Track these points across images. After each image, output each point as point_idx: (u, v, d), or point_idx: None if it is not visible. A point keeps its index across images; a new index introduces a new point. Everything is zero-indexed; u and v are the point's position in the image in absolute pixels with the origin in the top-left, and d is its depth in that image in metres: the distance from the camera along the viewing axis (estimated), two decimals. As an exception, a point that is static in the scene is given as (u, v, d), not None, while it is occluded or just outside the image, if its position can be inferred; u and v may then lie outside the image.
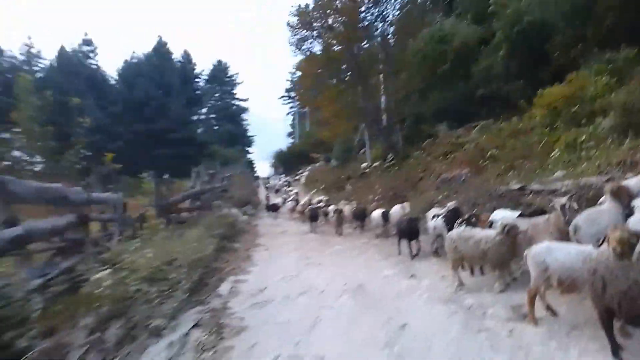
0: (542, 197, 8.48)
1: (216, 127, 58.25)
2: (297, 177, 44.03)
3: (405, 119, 25.45)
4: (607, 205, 5.50)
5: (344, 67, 26.70)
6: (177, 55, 59.25)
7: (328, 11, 24.91)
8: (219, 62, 61.95)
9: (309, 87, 29.58)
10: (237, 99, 62.58)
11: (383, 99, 25.33)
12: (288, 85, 66.85)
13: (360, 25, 25.39)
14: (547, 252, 4.40)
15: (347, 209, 14.34)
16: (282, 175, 51.77)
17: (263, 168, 70.78)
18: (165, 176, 12.18)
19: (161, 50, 57.03)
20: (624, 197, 5.37)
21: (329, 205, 16.14)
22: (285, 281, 7.13)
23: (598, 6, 14.82)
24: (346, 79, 27.13)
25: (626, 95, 11.50)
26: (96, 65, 54.27)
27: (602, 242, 3.86)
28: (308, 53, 26.51)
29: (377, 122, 25.64)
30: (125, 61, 57.22)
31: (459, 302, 5.49)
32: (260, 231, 14.51)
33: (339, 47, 25.39)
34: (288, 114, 74.31)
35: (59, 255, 5.54)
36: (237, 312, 5.33)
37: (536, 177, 10.78)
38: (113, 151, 9.99)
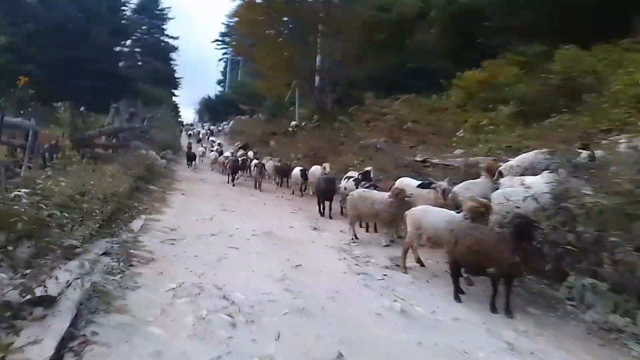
0: (438, 170, 9.58)
1: (141, 64, 54.44)
2: (222, 128, 43.23)
3: (338, 83, 25.95)
4: (481, 179, 6.64)
5: (285, 19, 26.27)
6: (103, -24, 53.80)
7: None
8: (151, -8, 57.40)
9: (246, 35, 28.77)
10: (168, 35, 58.63)
11: (318, 59, 25.46)
12: (223, 29, 64.06)
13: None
14: (422, 214, 5.28)
15: (270, 164, 14.73)
16: (208, 124, 50.48)
17: (188, 114, 68.12)
18: (82, 109, 11.67)
19: (86, -32, 51.30)
20: (493, 174, 6.50)
21: (252, 159, 16.31)
22: (199, 223, 7.54)
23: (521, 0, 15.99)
24: (285, 32, 26.78)
25: (525, 87, 12.95)
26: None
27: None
28: (247, -1, 25.60)
29: (310, 82, 25.89)
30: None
31: (350, 251, 6.35)
32: (178, 176, 14.52)
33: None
34: (220, 60, 71.40)
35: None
36: (147, 246, 5.67)
37: (440, 152, 12.00)
38: (25, 74, 9.29)
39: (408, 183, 7.67)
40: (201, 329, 3.53)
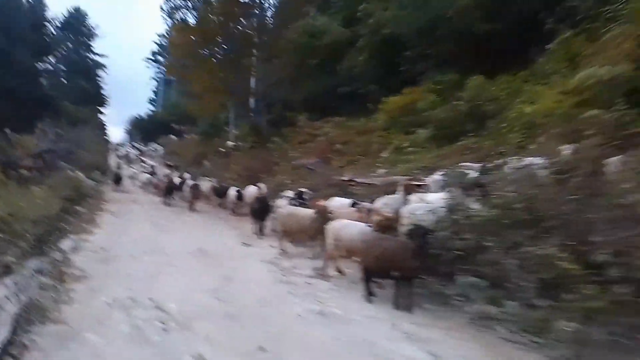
0: (362, 189, 10.44)
1: (66, 82, 51.71)
2: (154, 148, 42.21)
3: (273, 104, 26.62)
4: (397, 195, 7.50)
5: (220, 40, 26.60)
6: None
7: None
8: (77, 9, 55.13)
9: (179, 57, 28.69)
10: (95, 53, 56.42)
11: (253, 81, 26.02)
12: (155, 48, 62.80)
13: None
14: (340, 228, 5.98)
15: (207, 185, 14.83)
16: (138, 144, 48.94)
17: (117, 133, 65.34)
18: (7, 130, 11.30)
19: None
20: (407, 191, 7.40)
21: (187, 180, 16.33)
22: (131, 243, 7.72)
23: (438, 31, 17.64)
24: (220, 54, 27.11)
25: (440, 112, 14.38)
26: None
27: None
28: (180, 22, 25.68)
29: (245, 103, 26.34)
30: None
31: (278, 264, 6.90)
32: (108, 198, 14.33)
33: (217, 21, 25.13)
34: (152, 78, 69.69)
35: None
36: (79, 265, 5.85)
37: (366, 172, 12.95)
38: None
39: (339, 201, 8.38)
40: (136, 335, 3.90)
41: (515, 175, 6.21)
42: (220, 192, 14.24)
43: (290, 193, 10.55)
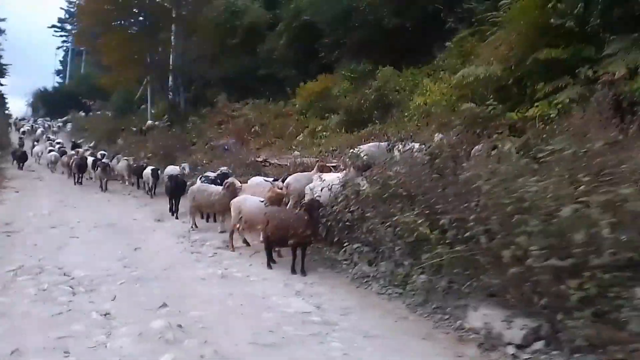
0: (275, 169, 11.08)
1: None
2: (62, 124, 39.21)
3: (192, 82, 26.05)
4: (312, 173, 8.18)
5: (135, 10, 25.28)
6: None
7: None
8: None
9: (89, 26, 26.84)
10: (-7, 16, 50.46)
11: (172, 57, 25.21)
12: (62, 14, 57.69)
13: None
14: (242, 202, 6.58)
15: (123, 164, 14.29)
16: (43, 119, 45.06)
17: (19, 106, 59.41)
18: None
19: None
20: (322, 170, 8.13)
21: (100, 158, 15.58)
22: (36, 218, 7.70)
23: (352, 22, 18.45)
24: (135, 26, 25.86)
25: (351, 100, 15.36)
26: None
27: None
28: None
29: (163, 80, 25.53)
30: None
31: (188, 236, 7.35)
32: (10, 174, 13.53)
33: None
34: (59, 48, 63.97)
35: None
36: (-20, 238, 5.87)
37: (282, 154, 13.59)
38: None
39: (258, 181, 8.77)
40: (43, 296, 4.22)
41: (398, 157, 7.22)
42: (135, 171, 13.95)
43: (211, 173, 10.68)
